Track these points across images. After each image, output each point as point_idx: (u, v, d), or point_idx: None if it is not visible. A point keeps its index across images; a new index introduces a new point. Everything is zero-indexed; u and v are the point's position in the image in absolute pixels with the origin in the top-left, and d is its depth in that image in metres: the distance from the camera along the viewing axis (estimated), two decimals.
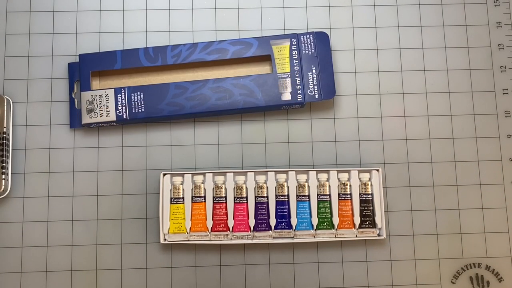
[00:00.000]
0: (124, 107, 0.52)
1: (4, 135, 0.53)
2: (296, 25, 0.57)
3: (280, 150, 0.55)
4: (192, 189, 0.52)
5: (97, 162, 0.54)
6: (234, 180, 0.52)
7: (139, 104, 0.52)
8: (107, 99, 0.52)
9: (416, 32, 0.57)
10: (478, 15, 0.58)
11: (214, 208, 0.52)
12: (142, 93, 0.52)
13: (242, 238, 0.52)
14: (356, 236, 0.52)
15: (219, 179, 0.52)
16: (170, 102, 0.52)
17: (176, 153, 0.54)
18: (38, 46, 0.55)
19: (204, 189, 0.52)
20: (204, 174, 0.52)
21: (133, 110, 0.52)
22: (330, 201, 0.52)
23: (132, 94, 0.52)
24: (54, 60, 0.55)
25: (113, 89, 0.53)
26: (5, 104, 0.53)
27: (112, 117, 0.52)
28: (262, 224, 0.52)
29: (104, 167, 0.54)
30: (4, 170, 0.52)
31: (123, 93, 0.52)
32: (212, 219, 0.52)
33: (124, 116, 0.52)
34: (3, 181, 0.52)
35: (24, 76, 0.55)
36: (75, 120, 0.54)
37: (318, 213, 0.52)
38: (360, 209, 0.52)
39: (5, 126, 0.53)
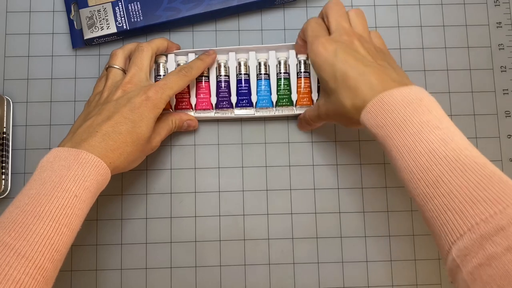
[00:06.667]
0: (123, 18, 0.53)
1: (4, 135, 0.53)
2: (296, 25, 0.57)
3: (280, 150, 0.55)
4: (154, 69, 0.53)
5: None
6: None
7: (137, 13, 0.53)
8: (105, 13, 0.54)
9: (416, 32, 0.57)
10: (478, 15, 0.58)
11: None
12: (138, 2, 0.53)
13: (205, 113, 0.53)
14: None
15: (181, 59, 0.53)
16: (167, 8, 0.53)
17: (176, 152, 0.54)
18: (38, 46, 0.55)
19: (167, 69, 0.53)
20: (166, 55, 0.53)
21: (132, 20, 0.53)
22: (289, 78, 0.53)
23: (129, 4, 0.53)
24: (54, 60, 0.55)
25: (110, 3, 0.54)
26: (5, 104, 0.53)
27: (113, 29, 0.53)
28: (223, 102, 0.53)
29: None
30: (4, 170, 0.52)
31: (120, 5, 0.53)
32: (175, 97, 0.53)
33: (124, 27, 0.53)
34: (3, 181, 0.52)
35: (24, 76, 0.55)
36: (76, 39, 0.55)
37: (278, 90, 0.53)
38: (318, 86, 0.53)
39: (5, 126, 0.53)
